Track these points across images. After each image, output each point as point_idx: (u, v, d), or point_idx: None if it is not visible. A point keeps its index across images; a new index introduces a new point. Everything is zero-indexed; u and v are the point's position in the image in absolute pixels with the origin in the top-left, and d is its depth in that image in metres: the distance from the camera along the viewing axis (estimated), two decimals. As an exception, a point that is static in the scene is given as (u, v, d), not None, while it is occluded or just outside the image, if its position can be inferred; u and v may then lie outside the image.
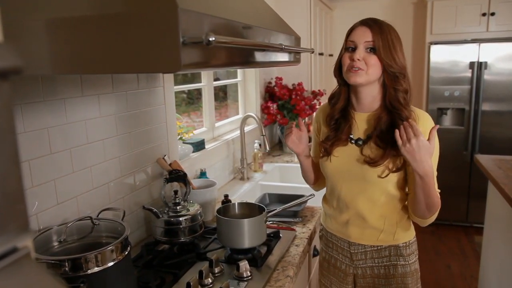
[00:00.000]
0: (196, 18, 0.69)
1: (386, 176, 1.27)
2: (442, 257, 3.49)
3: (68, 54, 0.74)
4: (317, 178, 1.55)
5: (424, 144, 1.16)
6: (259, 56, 1.00)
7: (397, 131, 1.19)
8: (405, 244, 1.36)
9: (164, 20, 0.64)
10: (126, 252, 1.06)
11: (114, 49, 0.68)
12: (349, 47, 1.27)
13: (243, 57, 0.89)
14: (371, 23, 1.26)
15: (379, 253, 1.37)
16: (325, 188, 1.52)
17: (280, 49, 1.03)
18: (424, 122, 1.27)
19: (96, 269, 0.99)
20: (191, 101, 2.52)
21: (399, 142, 1.18)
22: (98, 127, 1.35)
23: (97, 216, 1.20)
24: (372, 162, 1.27)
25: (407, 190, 1.33)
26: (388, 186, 1.29)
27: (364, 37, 1.24)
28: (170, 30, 0.64)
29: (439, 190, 1.30)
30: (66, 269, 0.94)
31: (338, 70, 1.33)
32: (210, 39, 0.63)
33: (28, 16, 0.75)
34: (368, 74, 1.25)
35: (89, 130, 1.31)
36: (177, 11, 0.63)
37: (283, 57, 1.25)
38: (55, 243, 1.07)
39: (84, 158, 1.29)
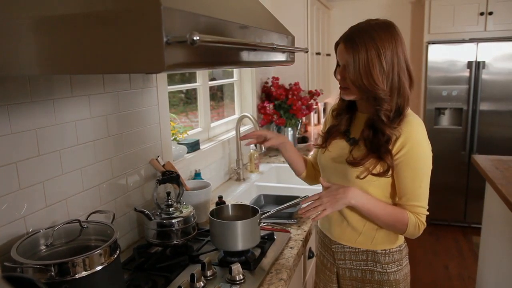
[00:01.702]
0: (181, 17, 0.67)
1: (364, 177, 1.24)
2: (439, 258, 3.48)
3: (50, 54, 0.71)
4: (303, 169, 1.61)
5: (327, 193, 1.25)
6: (250, 56, 0.98)
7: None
8: (384, 251, 1.33)
9: (147, 18, 0.62)
10: (115, 256, 1.04)
11: (97, 48, 0.66)
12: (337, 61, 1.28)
13: (232, 56, 0.87)
14: (346, 40, 1.19)
15: (357, 256, 1.36)
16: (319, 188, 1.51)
17: (272, 48, 1.01)
18: (406, 131, 1.20)
19: (84, 273, 0.97)
20: (189, 100, 2.50)
21: (321, 215, 1.24)
22: (88, 128, 1.32)
23: (87, 218, 1.18)
24: (352, 162, 1.26)
25: (397, 199, 1.29)
26: (368, 189, 1.26)
27: (340, 57, 1.24)
28: (153, 29, 0.62)
29: (423, 206, 1.25)
30: (53, 274, 0.92)
31: None
32: (195, 38, 0.61)
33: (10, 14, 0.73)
34: (352, 92, 1.24)
35: (79, 131, 1.29)
36: (160, 10, 0.61)
37: (276, 56, 1.23)
38: (43, 247, 1.05)
39: (74, 159, 1.27)
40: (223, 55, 0.82)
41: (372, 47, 1.14)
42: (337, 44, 1.26)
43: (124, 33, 0.64)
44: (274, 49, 1.02)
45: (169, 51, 0.63)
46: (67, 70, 0.73)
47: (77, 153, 1.28)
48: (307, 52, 1.41)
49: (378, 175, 1.23)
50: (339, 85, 1.29)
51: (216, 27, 0.80)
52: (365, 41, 1.15)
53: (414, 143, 1.20)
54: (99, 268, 0.99)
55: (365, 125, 1.27)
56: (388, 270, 1.33)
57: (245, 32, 0.95)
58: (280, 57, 1.29)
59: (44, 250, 1.05)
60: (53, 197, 1.20)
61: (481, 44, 3.67)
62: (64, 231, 1.09)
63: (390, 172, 1.22)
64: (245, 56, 0.95)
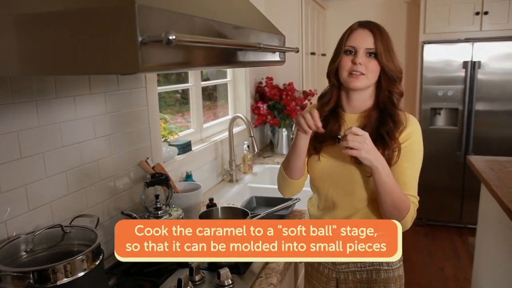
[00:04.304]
0: (158, 15, 0.64)
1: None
2: (435, 259, 3.46)
3: (24, 54, 0.69)
4: (303, 172, 1.38)
5: (359, 138, 1.13)
6: (235, 56, 0.95)
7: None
8: None
9: (120, 17, 0.59)
10: (98, 261, 1.01)
11: (69, 48, 0.64)
12: (348, 51, 1.24)
13: (215, 57, 0.84)
14: (372, 27, 1.23)
15: None
16: (308, 189, 1.47)
17: (258, 48, 0.98)
18: (412, 123, 1.27)
19: (65, 280, 0.94)
20: (185, 101, 2.47)
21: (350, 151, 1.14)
22: (74, 130, 1.29)
23: (70, 223, 1.15)
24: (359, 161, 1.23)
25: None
26: (374, 187, 1.24)
27: (365, 42, 1.22)
28: (127, 28, 0.59)
29: (418, 198, 1.26)
30: (31, 281, 0.89)
31: (335, 72, 1.29)
32: (170, 37, 0.58)
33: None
34: (368, 79, 1.24)
35: (64, 133, 1.26)
36: (134, 8, 0.58)
37: (265, 56, 1.20)
38: (23, 253, 1.02)
39: (59, 162, 1.24)
40: (204, 55, 0.79)
41: (388, 34, 1.25)
42: (351, 31, 1.25)
43: (98, 32, 0.61)
44: (260, 49, 0.99)
45: (145, 52, 0.60)
46: (41, 71, 0.70)
47: (62, 156, 1.25)
48: (297, 52, 1.38)
49: None
50: (348, 72, 1.23)
51: (198, 26, 0.77)
52: (384, 28, 1.25)
53: (418, 136, 1.27)
54: (81, 274, 0.97)
55: (366, 119, 1.28)
56: (393, 267, 1.35)
57: (230, 32, 0.92)
58: (270, 57, 1.27)
59: (25, 256, 1.02)
60: (36, 200, 1.17)
61: (476, 44, 3.65)
62: (46, 236, 1.06)
63: (395, 160, 1.22)
64: (230, 56, 0.92)
